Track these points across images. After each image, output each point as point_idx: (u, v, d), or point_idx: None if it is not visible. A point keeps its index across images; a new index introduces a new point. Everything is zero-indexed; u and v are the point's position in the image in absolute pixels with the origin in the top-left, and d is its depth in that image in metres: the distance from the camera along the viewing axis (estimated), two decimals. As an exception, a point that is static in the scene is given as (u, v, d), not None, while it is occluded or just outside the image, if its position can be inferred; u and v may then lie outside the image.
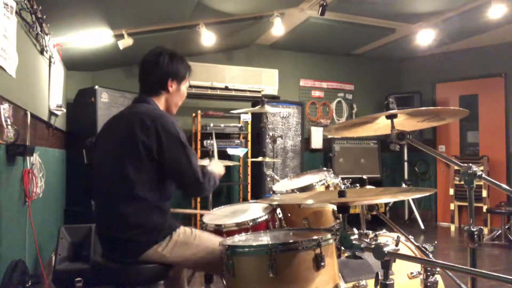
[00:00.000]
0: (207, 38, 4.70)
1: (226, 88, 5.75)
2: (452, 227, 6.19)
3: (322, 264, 1.49)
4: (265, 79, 5.96)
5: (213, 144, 2.60)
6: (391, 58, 7.01)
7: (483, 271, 1.17)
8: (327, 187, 2.39)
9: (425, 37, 5.30)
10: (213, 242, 1.90)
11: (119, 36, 4.16)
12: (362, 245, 1.38)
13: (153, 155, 1.79)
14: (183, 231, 1.90)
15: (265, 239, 1.78)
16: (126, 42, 4.15)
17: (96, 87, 4.41)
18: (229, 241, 1.78)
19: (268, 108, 3.42)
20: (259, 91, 5.92)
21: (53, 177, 3.69)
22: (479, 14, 4.61)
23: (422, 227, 5.96)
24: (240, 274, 1.55)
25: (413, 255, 2.05)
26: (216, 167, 2.09)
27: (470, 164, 1.44)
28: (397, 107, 1.62)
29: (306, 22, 5.07)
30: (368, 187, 2.16)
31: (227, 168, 6.33)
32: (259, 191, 5.48)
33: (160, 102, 2.01)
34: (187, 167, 1.82)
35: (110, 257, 1.86)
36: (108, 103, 4.46)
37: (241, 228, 2.19)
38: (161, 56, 1.99)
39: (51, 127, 3.61)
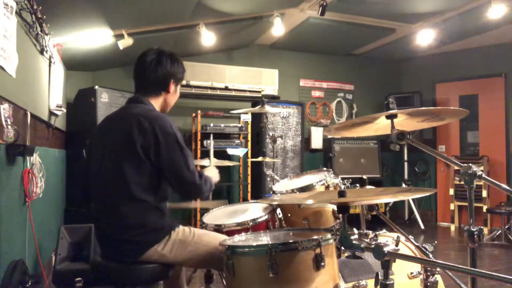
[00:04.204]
0: (207, 38, 4.70)
1: (226, 88, 5.75)
2: (452, 227, 6.19)
3: (322, 264, 1.49)
4: (265, 79, 5.96)
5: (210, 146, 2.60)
6: (391, 58, 7.01)
7: (483, 271, 1.17)
8: (327, 187, 2.39)
9: (425, 37, 5.30)
10: (212, 239, 1.91)
11: (119, 36, 4.16)
12: (362, 245, 1.38)
13: (150, 156, 1.79)
14: (182, 230, 1.90)
15: (265, 239, 1.78)
16: (126, 42, 4.15)
17: (96, 87, 4.41)
18: (229, 241, 1.78)
19: (268, 108, 3.42)
20: (259, 91, 5.92)
21: (53, 177, 3.69)
22: (479, 14, 4.61)
23: (422, 227, 5.96)
24: (240, 274, 1.55)
25: (413, 255, 2.05)
26: (211, 173, 2.10)
27: (470, 164, 1.44)
28: (397, 107, 1.62)
29: (306, 22, 5.07)
30: (368, 187, 2.16)
31: (227, 168, 6.34)
32: (259, 191, 5.48)
33: (157, 103, 2.00)
34: (184, 168, 1.82)
35: (110, 258, 1.86)
36: (108, 103, 4.46)
37: (241, 228, 2.19)
38: (163, 56, 1.97)
39: (51, 127, 3.61)
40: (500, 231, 5.28)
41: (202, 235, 1.94)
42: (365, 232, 2.14)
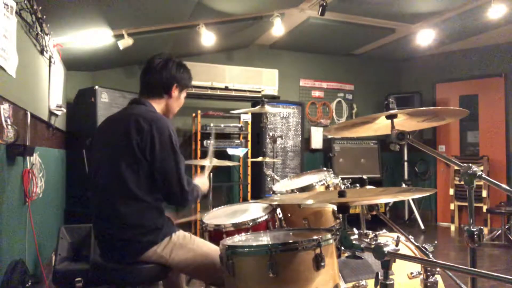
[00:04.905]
0: (207, 38, 4.70)
1: (226, 88, 5.75)
2: (452, 227, 6.19)
3: (322, 264, 1.49)
4: (265, 79, 5.96)
5: (210, 146, 2.58)
6: (391, 58, 7.01)
7: (483, 271, 1.17)
8: (327, 187, 2.39)
9: (425, 37, 5.30)
10: (211, 250, 1.90)
11: (119, 36, 4.16)
12: (362, 245, 1.38)
13: (146, 156, 1.80)
14: (182, 235, 1.91)
15: (265, 239, 1.78)
16: (126, 42, 4.15)
17: (96, 87, 4.41)
18: (229, 241, 1.78)
19: (268, 108, 3.42)
20: (259, 91, 5.92)
21: (53, 177, 3.69)
22: (479, 14, 4.61)
23: (422, 227, 5.96)
24: (240, 274, 1.55)
25: (413, 255, 2.05)
26: (201, 182, 2.11)
27: (470, 164, 1.43)
28: (397, 107, 1.62)
29: (306, 22, 5.07)
30: (368, 187, 2.16)
31: (227, 168, 6.34)
32: (259, 191, 5.48)
33: (159, 106, 2.02)
34: (174, 174, 1.82)
35: (109, 258, 1.86)
36: (108, 103, 4.46)
37: (241, 228, 2.19)
38: (170, 61, 2.03)
39: (51, 127, 3.61)
40: (500, 231, 5.28)
41: (202, 244, 1.94)
42: (365, 232, 2.14)
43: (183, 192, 1.84)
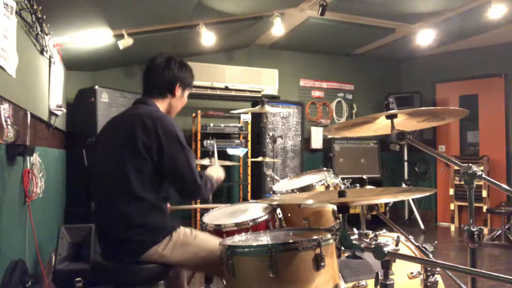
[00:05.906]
0: (207, 38, 4.70)
1: (226, 88, 5.75)
2: (452, 227, 6.19)
3: (322, 264, 1.49)
4: (265, 79, 5.96)
5: (214, 145, 2.60)
6: (391, 58, 7.01)
7: (483, 271, 1.17)
8: (327, 187, 2.39)
9: (425, 37, 5.30)
10: (213, 243, 1.90)
11: (119, 36, 4.16)
12: (362, 245, 1.38)
13: (153, 155, 1.80)
14: (183, 232, 1.90)
15: (265, 239, 1.78)
16: (126, 42, 4.15)
17: (96, 87, 4.41)
18: (229, 241, 1.78)
19: (268, 108, 3.42)
20: (259, 91, 5.92)
21: (53, 177, 3.68)
22: (479, 14, 4.61)
23: (422, 227, 5.96)
24: (240, 274, 1.55)
25: (413, 255, 2.05)
26: (215, 171, 2.11)
27: (470, 164, 1.44)
28: (397, 107, 1.62)
29: (306, 22, 5.07)
30: (368, 187, 2.16)
31: (227, 168, 6.35)
32: (259, 191, 5.48)
33: (163, 105, 2.04)
34: (186, 168, 1.83)
35: (110, 257, 1.86)
36: (108, 103, 4.46)
37: (241, 228, 2.18)
38: (172, 60, 2.04)
39: (51, 127, 3.60)
40: (500, 231, 5.28)
41: (204, 238, 1.94)
42: (365, 232, 2.14)
43: (196, 186, 1.85)
